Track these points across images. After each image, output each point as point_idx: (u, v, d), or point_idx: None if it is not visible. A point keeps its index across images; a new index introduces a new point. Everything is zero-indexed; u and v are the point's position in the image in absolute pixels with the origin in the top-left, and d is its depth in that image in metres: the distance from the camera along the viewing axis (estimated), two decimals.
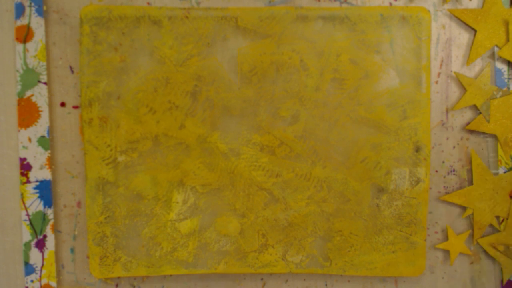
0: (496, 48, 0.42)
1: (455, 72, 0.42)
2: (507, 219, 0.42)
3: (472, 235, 0.43)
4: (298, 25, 0.40)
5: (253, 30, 0.40)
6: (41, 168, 0.42)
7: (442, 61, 0.42)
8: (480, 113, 0.42)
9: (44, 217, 0.42)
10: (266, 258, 0.41)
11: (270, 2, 0.41)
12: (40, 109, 0.41)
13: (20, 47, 0.41)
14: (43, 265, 0.42)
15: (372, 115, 0.41)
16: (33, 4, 0.41)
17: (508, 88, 0.42)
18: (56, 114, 0.42)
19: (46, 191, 0.42)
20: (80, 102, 0.42)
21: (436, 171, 0.42)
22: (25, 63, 0.41)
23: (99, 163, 0.41)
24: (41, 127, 0.41)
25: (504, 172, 0.42)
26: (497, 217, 0.42)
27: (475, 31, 0.42)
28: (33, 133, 0.41)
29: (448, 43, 0.42)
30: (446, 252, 0.43)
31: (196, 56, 0.41)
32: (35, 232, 0.42)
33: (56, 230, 0.42)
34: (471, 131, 0.42)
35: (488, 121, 0.42)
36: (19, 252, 0.42)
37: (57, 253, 0.43)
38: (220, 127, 0.41)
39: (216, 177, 0.41)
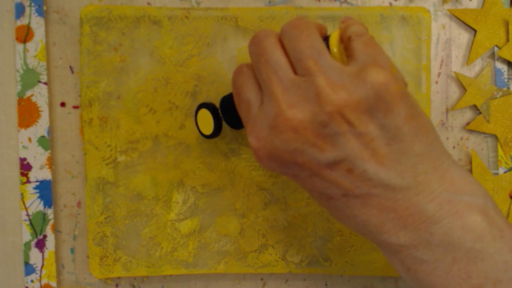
0: (496, 48, 0.42)
1: (455, 72, 0.42)
2: (507, 219, 0.42)
3: None
4: None
5: (253, 30, 0.40)
6: (41, 168, 0.42)
7: (442, 61, 0.42)
8: (480, 113, 0.42)
9: (44, 217, 0.42)
10: (266, 258, 0.41)
11: (270, 2, 0.41)
12: (40, 109, 0.41)
13: (20, 47, 0.41)
14: (43, 265, 0.42)
15: None
16: (33, 4, 0.41)
17: (508, 88, 0.42)
18: (56, 114, 0.42)
19: (46, 191, 0.42)
20: (80, 102, 0.42)
21: None
22: (25, 63, 0.41)
23: (99, 163, 0.41)
24: (41, 127, 0.41)
25: (504, 172, 0.42)
26: None
27: (475, 31, 0.42)
28: (33, 133, 0.41)
29: (448, 43, 0.42)
30: None
31: (196, 56, 0.41)
32: (35, 232, 0.42)
33: (56, 230, 0.42)
34: (471, 131, 0.42)
35: (488, 121, 0.42)
36: (19, 252, 0.42)
37: (57, 253, 0.43)
38: None
39: (216, 177, 0.41)
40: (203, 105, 0.37)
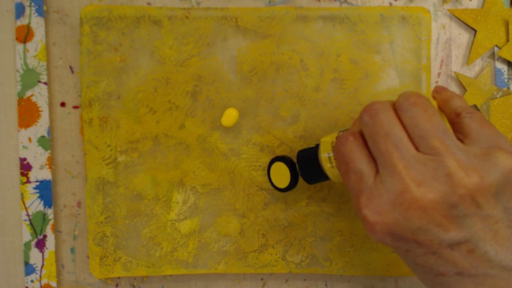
0: (496, 48, 0.42)
1: (455, 72, 0.42)
2: None
3: None
4: (298, 25, 0.40)
5: (253, 30, 0.40)
6: (41, 168, 0.42)
7: (442, 61, 0.42)
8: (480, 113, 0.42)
9: (44, 217, 0.42)
10: (266, 258, 0.41)
11: (270, 2, 0.41)
12: (40, 109, 0.41)
13: (20, 47, 0.41)
14: (43, 265, 0.42)
15: None
16: (33, 4, 0.41)
17: (508, 88, 0.42)
18: (56, 114, 0.42)
19: (46, 191, 0.42)
20: (80, 102, 0.42)
21: None
22: (25, 63, 0.41)
23: (99, 163, 0.41)
24: (41, 127, 0.41)
25: None
26: None
27: (475, 31, 0.42)
28: (33, 133, 0.41)
29: (448, 43, 0.42)
30: None
31: (196, 56, 0.41)
32: (35, 232, 0.42)
33: (56, 230, 0.42)
34: None
35: None
36: (19, 252, 0.43)
37: (57, 253, 0.43)
38: (220, 127, 0.41)
39: (216, 177, 0.41)
40: (278, 158, 0.37)
